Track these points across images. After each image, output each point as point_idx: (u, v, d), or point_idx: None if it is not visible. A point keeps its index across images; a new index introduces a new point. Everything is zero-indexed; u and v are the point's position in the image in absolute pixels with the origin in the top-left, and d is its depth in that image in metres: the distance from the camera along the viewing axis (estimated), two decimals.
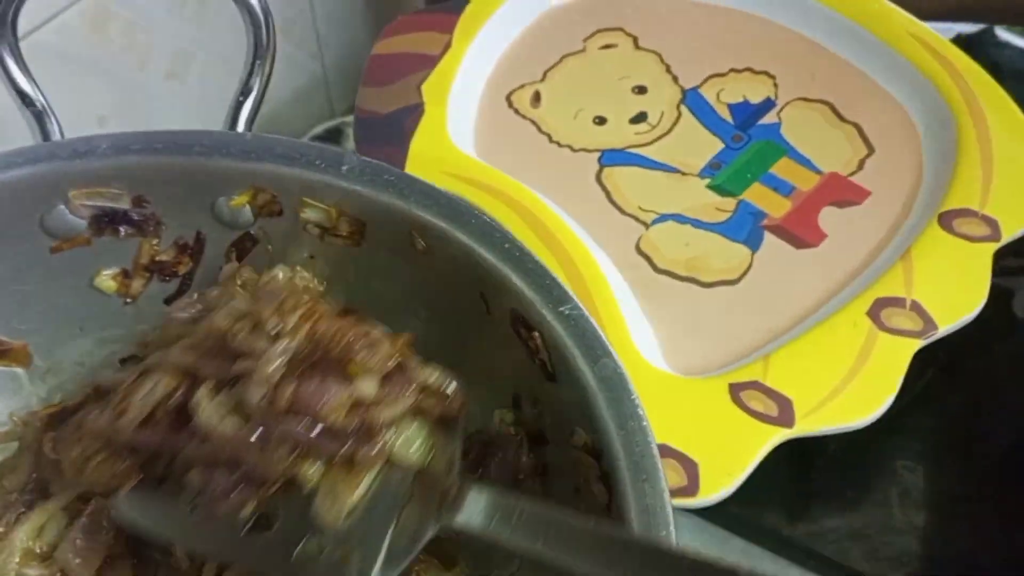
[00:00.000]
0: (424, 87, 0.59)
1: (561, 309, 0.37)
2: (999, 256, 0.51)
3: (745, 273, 0.52)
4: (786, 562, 0.53)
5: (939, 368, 0.58)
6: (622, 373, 0.35)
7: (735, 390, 0.45)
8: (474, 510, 0.32)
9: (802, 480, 0.56)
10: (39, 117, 0.44)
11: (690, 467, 0.42)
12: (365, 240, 0.43)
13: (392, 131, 0.57)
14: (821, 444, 0.54)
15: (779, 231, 0.54)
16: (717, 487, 0.42)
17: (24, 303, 0.44)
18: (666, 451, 0.42)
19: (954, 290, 0.49)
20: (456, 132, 0.58)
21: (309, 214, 0.43)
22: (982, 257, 0.50)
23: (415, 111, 0.58)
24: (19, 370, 0.44)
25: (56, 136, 0.44)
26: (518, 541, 0.30)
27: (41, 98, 0.44)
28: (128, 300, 0.46)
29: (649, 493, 0.32)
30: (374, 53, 0.62)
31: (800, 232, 0.54)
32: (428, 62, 0.61)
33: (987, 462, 0.55)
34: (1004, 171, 0.54)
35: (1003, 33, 0.69)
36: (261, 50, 0.46)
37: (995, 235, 0.51)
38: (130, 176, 0.42)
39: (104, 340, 0.46)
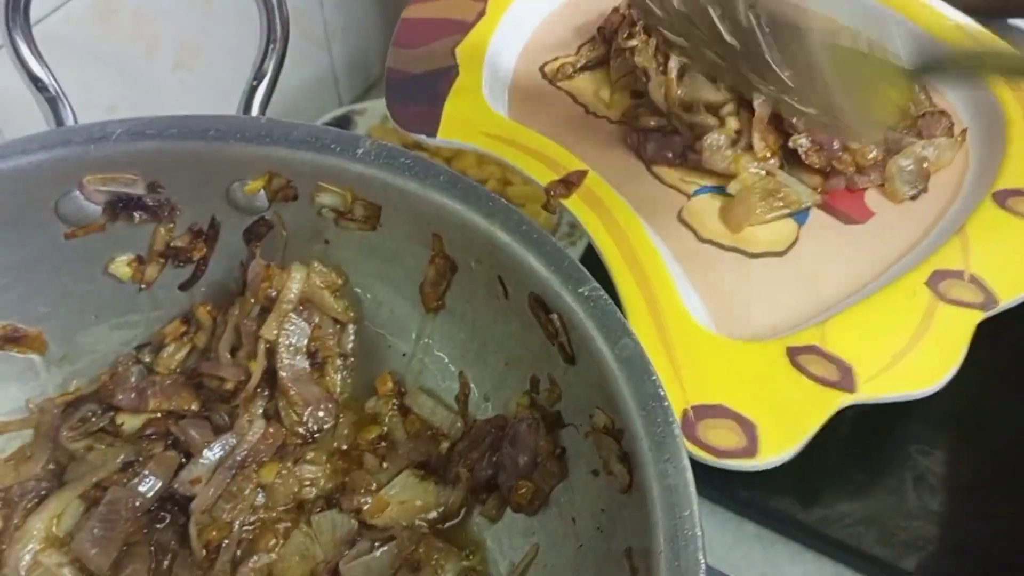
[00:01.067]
0: (458, 50, 0.59)
1: (580, 290, 0.37)
2: None
3: (792, 246, 0.52)
4: (799, 546, 0.53)
5: None
6: (642, 353, 0.35)
7: (793, 354, 0.44)
8: None
9: (816, 465, 0.56)
10: (52, 103, 0.44)
11: (749, 429, 0.41)
12: (381, 225, 0.43)
13: (425, 91, 0.57)
14: (834, 428, 0.54)
15: (825, 208, 0.54)
16: (778, 450, 0.41)
17: (39, 290, 0.44)
18: (723, 412, 0.41)
19: (1012, 265, 0.49)
20: (491, 96, 0.57)
21: (324, 198, 0.43)
22: None
23: (449, 73, 0.58)
24: (35, 357, 0.44)
25: (70, 122, 0.44)
26: None
27: (54, 84, 0.44)
28: (143, 286, 0.46)
29: (672, 473, 0.32)
30: (405, 16, 0.62)
31: (847, 209, 0.54)
32: (461, 27, 0.61)
33: (1002, 448, 0.55)
34: None
35: None
36: (274, 34, 0.46)
37: None
38: (145, 161, 0.42)
39: (119, 326, 0.46)
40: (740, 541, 0.54)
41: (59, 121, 0.43)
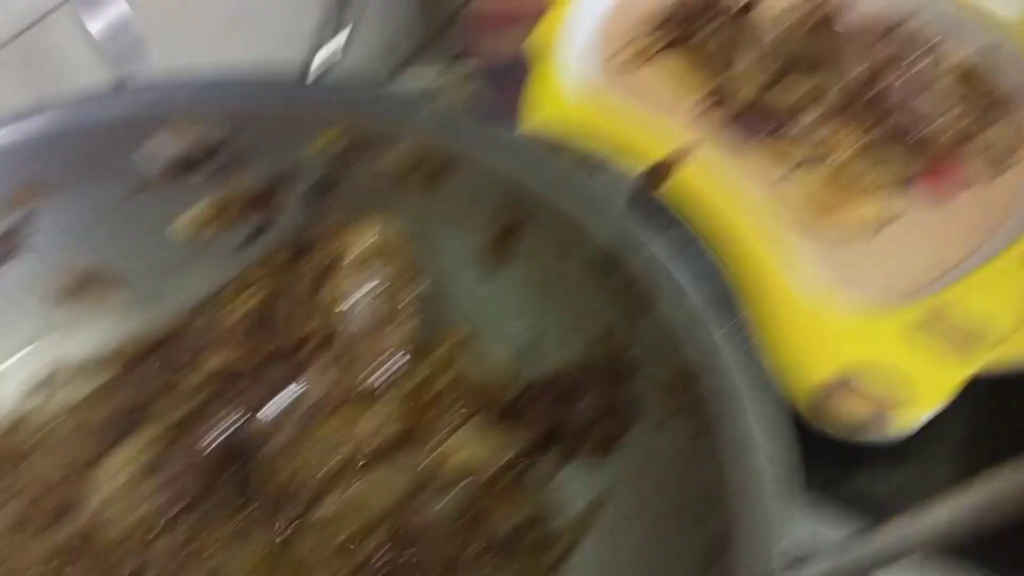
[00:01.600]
0: (530, 42, 0.60)
1: (643, 253, 0.38)
2: None
3: (894, 220, 0.53)
4: None
5: None
6: (702, 313, 0.36)
7: (915, 325, 0.45)
8: None
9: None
10: (121, 60, 0.44)
11: (877, 400, 0.42)
12: (447, 183, 0.44)
13: (499, 83, 0.58)
14: None
15: (924, 180, 0.55)
16: (909, 420, 0.42)
17: (117, 235, 0.45)
18: (849, 384, 0.42)
19: None
20: (566, 88, 0.58)
21: (387, 160, 0.44)
22: None
23: (522, 65, 0.59)
24: (115, 297, 0.46)
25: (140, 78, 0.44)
26: None
27: (122, 39, 0.44)
28: (210, 241, 0.47)
29: (738, 422, 0.34)
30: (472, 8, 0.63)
31: (945, 182, 0.55)
32: (528, 20, 0.62)
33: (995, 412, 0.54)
34: None
35: None
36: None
37: None
38: (216, 118, 0.43)
39: (188, 278, 0.46)
40: None
41: (129, 78, 0.44)
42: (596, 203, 0.40)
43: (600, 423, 0.41)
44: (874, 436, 0.41)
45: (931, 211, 0.54)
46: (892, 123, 0.55)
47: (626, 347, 0.40)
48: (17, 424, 0.44)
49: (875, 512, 0.48)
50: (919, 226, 0.53)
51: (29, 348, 0.46)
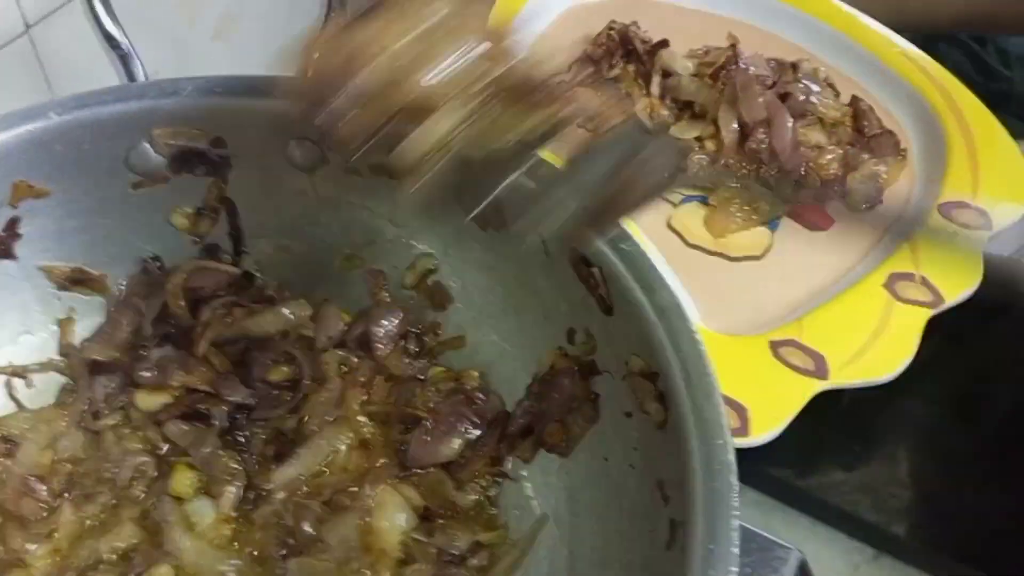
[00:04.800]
0: None
1: (621, 245, 0.40)
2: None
3: (767, 251, 0.58)
4: (797, 512, 0.57)
5: (946, 336, 0.62)
6: (678, 304, 0.38)
7: (775, 347, 0.50)
8: None
9: (814, 436, 0.60)
10: (125, 59, 0.46)
11: (741, 412, 0.47)
12: None
13: None
14: (833, 402, 0.58)
15: (794, 217, 0.61)
16: (765, 429, 0.47)
17: (107, 236, 0.46)
18: None
19: (955, 269, 0.55)
20: None
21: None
22: (977, 242, 0.57)
23: None
24: (99, 298, 0.47)
25: (141, 78, 0.46)
26: None
27: (126, 41, 0.47)
28: (196, 240, 0.48)
29: (707, 407, 0.36)
30: None
31: (812, 218, 0.60)
32: None
33: (991, 423, 0.59)
34: (988, 167, 0.61)
35: None
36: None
37: (987, 224, 0.58)
38: (211, 117, 0.45)
39: None
40: (741, 507, 0.57)
41: (131, 77, 0.46)
42: None
43: (567, 418, 0.43)
44: (739, 443, 0.44)
45: (800, 243, 0.60)
46: (766, 168, 0.61)
47: (591, 349, 0.42)
48: None
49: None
50: (789, 256, 0.59)
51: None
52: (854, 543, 0.55)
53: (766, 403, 0.47)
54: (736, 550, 0.32)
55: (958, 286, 0.54)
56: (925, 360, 0.61)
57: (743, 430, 0.46)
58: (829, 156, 0.61)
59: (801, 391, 0.48)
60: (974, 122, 0.64)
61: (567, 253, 0.42)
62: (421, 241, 0.48)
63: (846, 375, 0.50)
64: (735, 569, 0.31)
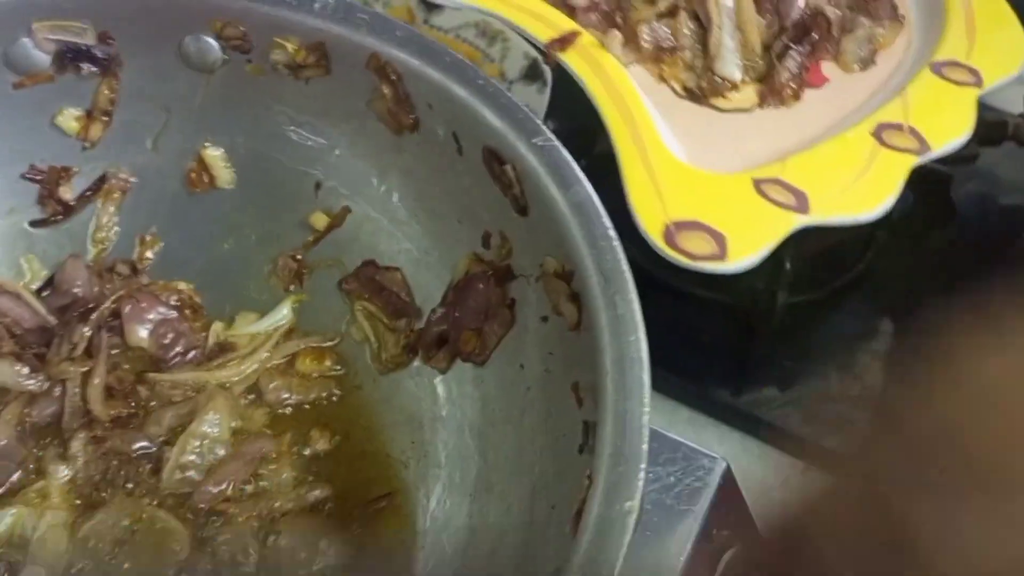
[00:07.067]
0: None
1: (534, 141, 0.38)
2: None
3: (758, 105, 0.57)
4: (728, 428, 0.56)
5: (879, 250, 0.62)
6: (592, 198, 0.36)
7: (758, 184, 0.49)
8: None
9: (745, 353, 0.59)
10: None
11: (719, 239, 0.46)
12: (333, 76, 0.43)
13: None
14: (764, 319, 0.57)
15: None
16: (743, 255, 0.46)
17: None
18: (697, 226, 0.46)
19: (945, 121, 0.54)
20: None
21: (278, 54, 0.43)
22: (968, 98, 0.56)
23: None
24: None
25: None
26: None
27: None
28: (87, 145, 0.45)
29: (620, 303, 0.34)
30: None
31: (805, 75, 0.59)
32: None
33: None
34: (984, 33, 0.59)
35: None
36: None
37: (978, 82, 0.57)
38: (96, 9, 0.42)
39: None
40: (673, 424, 0.57)
41: None
42: (487, 94, 0.40)
43: (484, 326, 0.41)
44: (713, 268, 0.45)
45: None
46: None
47: (507, 253, 0.40)
48: None
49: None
50: (780, 111, 0.57)
51: None
52: (785, 457, 0.54)
53: (746, 233, 0.47)
54: (645, 447, 0.30)
55: (946, 135, 0.53)
56: (860, 274, 0.62)
57: (721, 255, 0.45)
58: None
59: (782, 223, 0.48)
60: None
61: (480, 151, 0.40)
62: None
63: (826, 211, 0.49)
64: (644, 465, 0.30)
